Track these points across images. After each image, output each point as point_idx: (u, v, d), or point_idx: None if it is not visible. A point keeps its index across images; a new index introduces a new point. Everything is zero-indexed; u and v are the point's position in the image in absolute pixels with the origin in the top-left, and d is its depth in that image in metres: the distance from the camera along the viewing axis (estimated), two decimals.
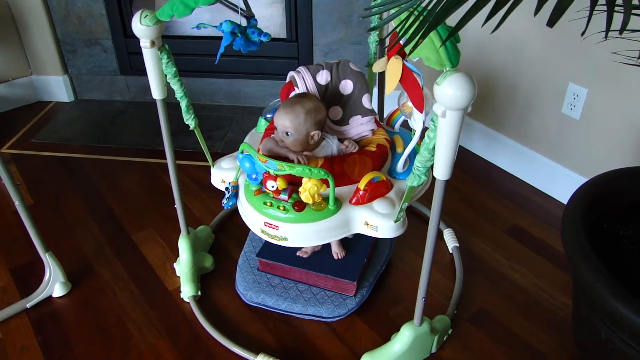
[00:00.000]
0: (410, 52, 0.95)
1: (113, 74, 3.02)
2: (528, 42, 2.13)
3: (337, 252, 1.77)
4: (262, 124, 1.76)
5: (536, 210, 2.18)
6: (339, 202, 1.42)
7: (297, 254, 1.74)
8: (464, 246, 1.98)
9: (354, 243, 1.81)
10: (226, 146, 2.62)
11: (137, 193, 2.34)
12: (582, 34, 0.74)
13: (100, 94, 3.10)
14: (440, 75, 1.03)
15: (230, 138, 2.70)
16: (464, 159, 2.52)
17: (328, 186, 1.37)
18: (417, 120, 1.40)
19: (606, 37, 0.83)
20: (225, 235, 2.07)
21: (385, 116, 1.77)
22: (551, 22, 0.66)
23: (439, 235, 2.03)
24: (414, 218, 2.12)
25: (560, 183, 2.20)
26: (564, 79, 2.06)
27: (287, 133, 1.47)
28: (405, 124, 1.62)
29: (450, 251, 1.96)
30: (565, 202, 2.18)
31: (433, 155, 1.14)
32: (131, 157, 2.58)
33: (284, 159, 1.46)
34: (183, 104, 1.51)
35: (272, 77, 2.87)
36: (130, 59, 2.94)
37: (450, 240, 1.98)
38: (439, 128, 1.07)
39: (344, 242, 1.79)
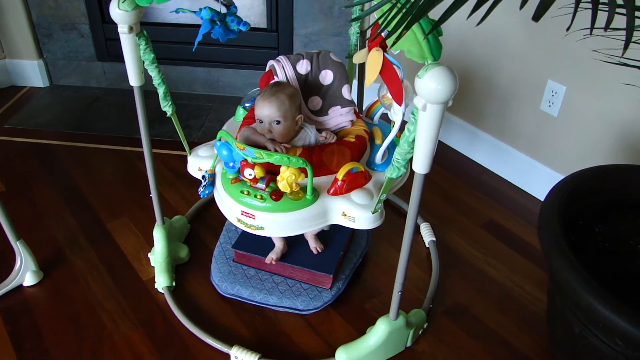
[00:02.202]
0: (393, 44, 0.94)
1: (89, 60, 2.96)
2: (508, 37, 2.13)
3: (315, 246, 1.76)
4: (241, 113, 1.74)
5: (512, 206, 2.19)
6: (316, 192, 1.41)
7: (267, 259, 1.73)
8: (440, 240, 1.99)
9: (331, 236, 1.80)
10: (203, 135, 2.59)
11: (113, 181, 2.31)
12: (568, 29, 0.73)
13: (76, 79, 3.04)
14: (421, 68, 1.02)
15: (208, 127, 2.67)
16: (441, 153, 2.52)
17: (306, 176, 1.36)
18: (396, 112, 1.40)
19: (591, 33, 0.82)
20: (201, 225, 2.05)
21: (364, 108, 1.76)
22: (536, 17, 0.65)
23: (416, 229, 2.02)
24: (391, 211, 2.11)
25: (536, 179, 2.21)
26: (543, 76, 2.06)
27: (276, 122, 1.46)
28: (384, 116, 1.61)
29: (427, 245, 1.96)
30: (541, 197, 2.20)
31: (412, 148, 1.14)
32: (107, 144, 2.54)
33: (262, 147, 1.44)
34: (161, 91, 1.48)
35: (251, 67, 2.85)
36: (107, 44, 2.89)
37: (427, 234, 1.98)
38: (419, 121, 1.06)
39: (321, 236, 1.78)
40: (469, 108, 2.42)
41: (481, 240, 2.02)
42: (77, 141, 2.57)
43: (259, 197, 1.39)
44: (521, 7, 0.70)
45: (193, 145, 1.68)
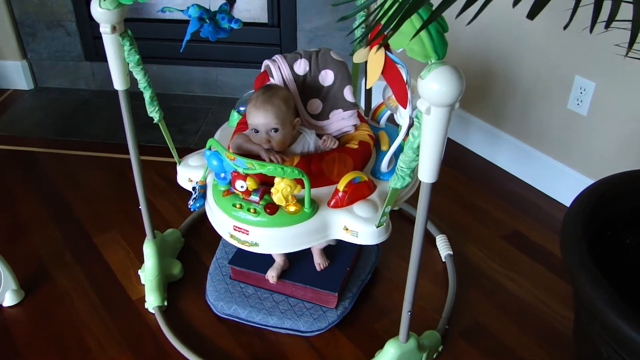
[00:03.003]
0: (387, 37, 0.94)
1: (77, 60, 2.99)
2: (531, 29, 2.12)
3: (319, 262, 1.76)
4: (235, 117, 1.75)
5: (537, 215, 2.18)
6: (315, 205, 1.41)
7: (267, 276, 1.73)
8: (458, 253, 1.98)
9: (337, 251, 1.80)
10: (200, 141, 2.61)
11: (101, 192, 2.33)
12: (565, 27, 0.73)
13: (63, 81, 3.08)
14: (424, 68, 1.02)
15: (205, 131, 2.68)
16: (460, 158, 2.51)
17: (303, 187, 1.36)
18: (403, 116, 1.39)
19: (607, 27, 0.82)
20: (196, 239, 2.06)
21: (371, 110, 1.76)
22: (531, 15, 0.65)
23: (431, 242, 2.03)
24: (404, 222, 2.11)
25: (564, 185, 2.20)
26: (570, 71, 2.05)
27: (274, 130, 1.46)
28: (392, 119, 1.61)
29: (443, 259, 1.96)
30: (569, 205, 2.18)
31: (418, 155, 1.14)
32: (95, 151, 2.56)
33: (256, 157, 1.45)
34: (147, 95, 1.50)
35: (252, 65, 2.86)
36: (96, 43, 2.92)
37: (444, 248, 1.97)
38: (423, 126, 1.06)
39: (326, 250, 1.78)
40: (490, 108, 2.41)
41: (503, 253, 2.01)
42: (64, 148, 2.60)
43: (252, 210, 1.40)
44: (514, 4, 0.69)
45: (190, 152, 1.70)
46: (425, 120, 1.05)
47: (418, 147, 1.12)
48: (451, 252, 1.96)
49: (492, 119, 2.42)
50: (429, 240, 2.03)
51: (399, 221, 2.03)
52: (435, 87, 1.00)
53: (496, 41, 2.26)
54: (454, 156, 2.51)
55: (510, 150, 2.38)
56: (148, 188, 2.22)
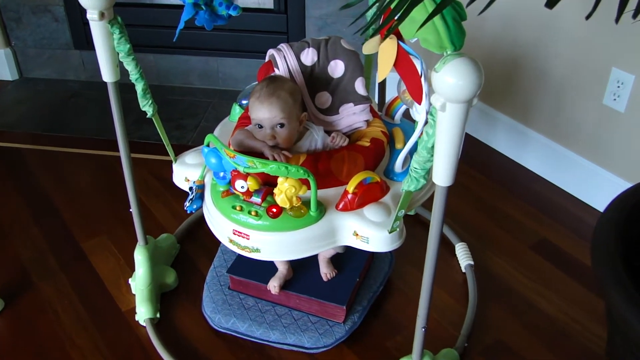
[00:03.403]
0: (395, 24, 0.94)
1: (66, 48, 3.02)
2: (564, 16, 2.12)
3: (326, 272, 1.77)
4: (237, 111, 1.76)
5: (568, 221, 2.18)
6: (322, 208, 1.42)
7: (268, 287, 1.74)
8: (480, 264, 1.98)
9: (346, 259, 1.81)
10: (199, 137, 2.62)
11: (90, 193, 2.35)
12: (587, 17, 0.73)
13: (50, 71, 3.10)
14: (439, 60, 1.02)
15: (205, 127, 2.70)
16: (483, 158, 2.51)
17: (309, 188, 1.37)
18: (419, 111, 1.39)
19: (635, 17, 0.82)
20: (193, 245, 2.08)
21: (385, 104, 1.77)
22: (550, 4, 0.65)
23: (450, 250, 2.03)
24: (421, 228, 2.11)
25: (598, 188, 2.19)
26: (606, 63, 2.05)
27: (280, 125, 1.47)
28: (408, 115, 1.61)
29: (463, 270, 1.96)
30: (603, 211, 2.18)
31: (432, 155, 1.14)
32: (85, 148, 2.58)
33: (259, 155, 1.46)
34: (139, 88, 1.51)
35: (256, 55, 2.86)
36: (86, 30, 2.94)
37: (464, 257, 1.98)
38: (438, 124, 1.06)
39: (334, 258, 1.78)
40: (517, 103, 2.41)
41: (530, 264, 2.00)
42: (50, 144, 2.62)
43: (253, 213, 1.41)
44: None
45: (187, 149, 1.71)
46: (440, 117, 1.06)
47: (433, 146, 1.12)
48: (472, 262, 1.96)
49: (520, 115, 2.42)
50: (447, 249, 2.03)
51: (415, 227, 2.03)
52: (450, 81, 1.00)
53: (525, 29, 2.26)
54: (477, 156, 2.51)
55: (539, 150, 2.37)
56: (141, 189, 2.25)
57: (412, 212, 2.16)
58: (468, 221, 2.16)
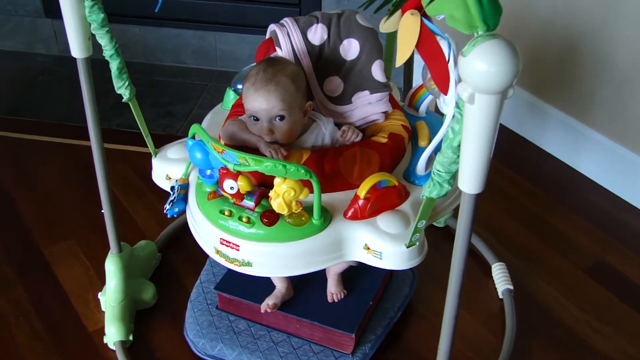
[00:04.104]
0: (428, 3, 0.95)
1: (35, 16, 3.04)
2: None
3: (334, 292, 1.77)
4: (231, 97, 1.77)
5: (634, 242, 2.17)
6: (327, 215, 1.42)
7: (262, 307, 1.74)
8: (521, 289, 1.98)
9: (358, 278, 1.81)
10: (190, 127, 2.63)
11: (58, 189, 2.37)
12: None
13: (16, 43, 3.13)
14: (468, 42, 1.02)
15: (198, 115, 2.72)
16: (532, 161, 2.51)
17: (312, 191, 1.37)
18: (447, 102, 1.40)
19: None
20: (177, 255, 2.10)
21: (409, 93, 1.77)
22: None
23: (486, 271, 2.04)
24: (451, 243, 2.10)
25: None
26: None
27: (279, 117, 1.48)
28: (436, 106, 1.62)
29: (500, 295, 1.96)
30: None
31: (459, 156, 1.14)
32: (53, 136, 2.61)
33: (254, 150, 1.47)
34: (113, 66, 1.52)
35: (262, 31, 2.85)
36: None
37: (501, 280, 1.97)
38: (465, 119, 1.06)
39: (345, 275, 1.79)
40: (574, 95, 2.40)
41: (583, 291, 2.00)
42: (12, 130, 2.66)
43: (245, 219, 1.41)
44: None
45: (171, 141, 1.73)
46: (468, 111, 1.05)
47: (459, 145, 1.12)
48: (511, 287, 1.96)
49: (576, 110, 2.42)
50: (483, 270, 2.04)
51: (444, 242, 2.03)
52: (481, 67, 0.98)
53: (584, 9, 2.25)
54: (523, 159, 2.51)
55: (599, 153, 2.37)
56: (119, 186, 2.27)
57: (440, 224, 2.16)
58: (509, 237, 2.16)
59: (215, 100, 2.76)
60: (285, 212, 1.38)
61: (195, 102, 2.83)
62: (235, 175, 1.39)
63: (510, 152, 2.51)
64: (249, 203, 1.42)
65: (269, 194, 1.38)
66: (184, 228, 2.15)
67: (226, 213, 1.44)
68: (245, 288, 1.79)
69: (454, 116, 1.14)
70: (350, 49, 1.63)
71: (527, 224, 2.23)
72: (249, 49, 2.94)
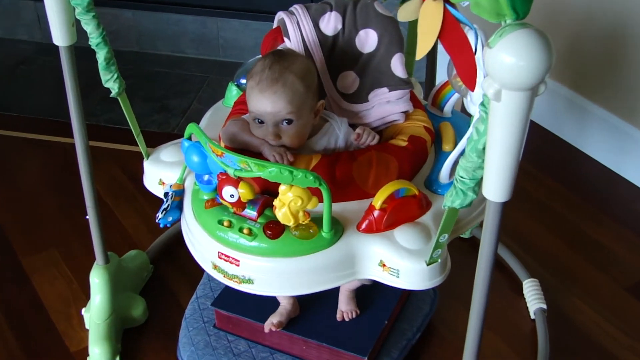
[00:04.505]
0: None
1: None
2: None
3: (346, 310, 1.76)
4: (234, 93, 1.77)
5: None
6: (339, 227, 1.42)
7: (265, 326, 1.74)
8: (555, 308, 1.97)
9: (373, 294, 1.81)
10: (189, 124, 2.63)
11: (39, 191, 2.37)
12: None
13: None
14: (495, 32, 1.02)
15: (197, 111, 2.72)
16: (572, 166, 2.50)
17: (321, 200, 1.37)
18: (475, 101, 1.39)
19: None
20: (171, 267, 2.09)
21: (433, 91, 1.76)
22: None
23: (517, 288, 2.03)
24: (476, 255, 2.10)
25: None
26: None
27: (287, 121, 1.47)
28: (462, 105, 1.61)
29: (532, 316, 1.95)
30: None
31: (484, 161, 1.13)
32: (35, 132, 2.61)
33: (257, 154, 1.46)
34: (101, 56, 1.51)
35: (269, 17, 2.86)
36: None
37: (534, 299, 1.96)
38: (490, 119, 1.05)
39: (359, 293, 1.79)
40: (621, 92, 2.39)
41: (626, 312, 1.99)
42: None
43: (246, 231, 1.41)
44: None
45: (172, 139, 1.72)
46: (494, 110, 1.04)
47: (484, 148, 1.11)
48: (544, 306, 1.95)
49: (624, 109, 2.41)
50: (513, 286, 2.03)
51: (469, 255, 1.99)
52: (508, 60, 0.97)
53: None
54: (562, 163, 2.50)
55: None
56: (108, 189, 2.27)
57: (465, 235, 2.15)
58: (544, 250, 2.16)
59: (217, 95, 2.77)
60: (291, 223, 1.37)
61: (194, 96, 2.83)
62: (235, 182, 1.38)
63: (544, 154, 2.50)
64: (250, 213, 1.42)
65: (273, 203, 1.37)
66: (179, 237, 2.13)
67: (225, 224, 1.43)
68: (246, 305, 1.78)
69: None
70: (368, 40, 1.62)
71: (563, 234, 2.22)
72: (255, 37, 2.94)
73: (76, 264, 2.09)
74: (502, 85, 1.00)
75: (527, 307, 1.98)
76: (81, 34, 1.49)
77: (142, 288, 2.02)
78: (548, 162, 2.47)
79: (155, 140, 1.71)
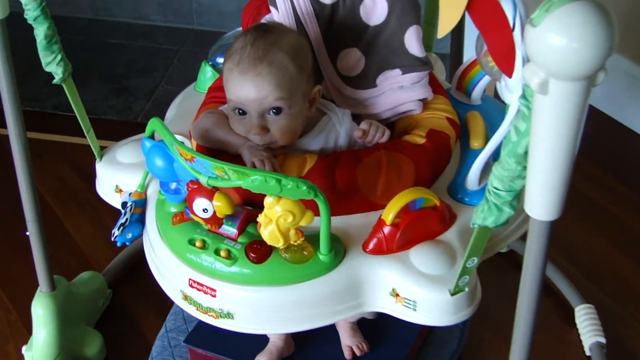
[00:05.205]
0: None
1: None
2: None
3: (351, 344, 1.76)
4: (208, 76, 1.76)
5: None
6: (340, 248, 1.41)
7: None
8: (617, 341, 1.97)
9: (388, 325, 1.80)
10: (156, 110, 2.63)
11: None
12: None
13: None
14: (539, 6, 1.00)
15: (165, 93, 2.73)
16: (635, 160, 2.49)
17: (318, 214, 1.35)
18: (511, 88, 1.38)
19: None
20: (134, 291, 2.10)
21: (457, 72, 1.75)
22: None
23: (567, 317, 2.03)
24: (517, 275, 2.09)
25: None
26: None
27: (275, 110, 1.45)
28: (494, 90, 1.60)
29: (588, 351, 1.95)
30: None
31: (525, 168, 1.11)
32: None
33: (235, 157, 1.46)
34: (40, 33, 1.51)
35: None
36: None
37: (589, 330, 1.97)
38: (534, 115, 1.04)
39: (370, 324, 1.78)
40: None
41: None
42: None
43: (224, 254, 1.40)
44: None
45: (132, 132, 1.73)
46: (540, 105, 1.03)
47: (526, 153, 1.10)
48: (603, 340, 1.94)
49: None
50: (562, 314, 2.04)
51: (508, 275, 2.01)
52: (557, 42, 0.96)
53: None
54: (623, 156, 2.50)
55: None
56: (55, 194, 2.27)
57: (503, 249, 2.14)
58: (600, 268, 2.16)
59: (190, 73, 2.77)
60: (280, 244, 1.35)
61: (162, 74, 2.83)
62: (210, 193, 1.36)
63: (600, 143, 2.49)
64: (229, 231, 1.41)
65: (258, 219, 1.35)
66: (143, 255, 2.15)
67: (197, 244, 1.42)
68: (227, 341, 1.78)
69: (518, 110, 1.12)
70: (375, 9, 1.61)
71: (626, 248, 2.23)
72: (237, 2, 2.93)
73: (15, 291, 2.10)
74: (550, 74, 0.98)
75: (580, 341, 1.99)
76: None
77: (98, 319, 2.02)
78: (605, 153, 2.47)
79: (114, 131, 1.71)
